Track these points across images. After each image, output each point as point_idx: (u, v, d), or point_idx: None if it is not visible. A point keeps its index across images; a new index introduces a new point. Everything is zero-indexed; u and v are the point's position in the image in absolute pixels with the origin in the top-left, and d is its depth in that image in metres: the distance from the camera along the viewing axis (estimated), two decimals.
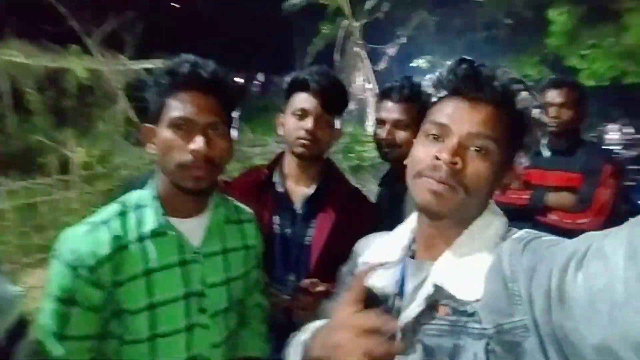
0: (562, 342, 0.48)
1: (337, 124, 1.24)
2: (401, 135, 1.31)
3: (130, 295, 0.81)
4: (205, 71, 0.84)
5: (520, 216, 1.68)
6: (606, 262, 0.43)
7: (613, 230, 0.46)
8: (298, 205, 1.24)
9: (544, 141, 1.93)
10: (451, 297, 0.61)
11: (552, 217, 1.83)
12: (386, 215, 1.32)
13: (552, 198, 1.86)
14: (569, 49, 10.42)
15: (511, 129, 0.64)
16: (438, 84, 0.68)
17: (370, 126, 12.03)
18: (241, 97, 0.91)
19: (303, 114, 1.19)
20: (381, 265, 0.72)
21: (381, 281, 0.70)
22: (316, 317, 0.81)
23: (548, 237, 0.60)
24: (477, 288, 0.60)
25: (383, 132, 1.33)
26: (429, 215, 0.66)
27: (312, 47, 12.60)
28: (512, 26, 12.73)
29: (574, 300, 0.46)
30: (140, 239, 0.84)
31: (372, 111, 12.15)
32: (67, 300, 0.77)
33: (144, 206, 0.88)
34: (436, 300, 0.63)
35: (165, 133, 0.83)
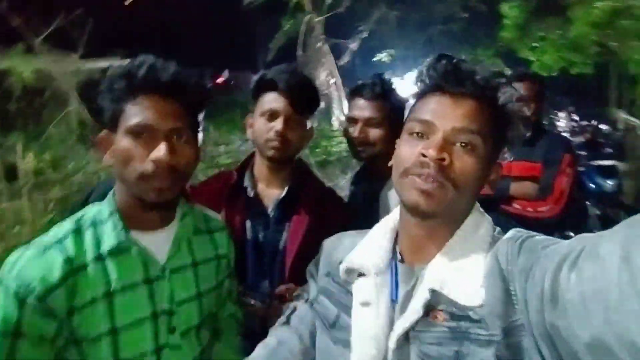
0: (555, 341, 0.48)
1: (308, 124, 1.19)
2: (374, 133, 1.29)
3: (89, 321, 0.74)
4: (165, 73, 0.77)
5: (485, 206, 1.72)
6: (600, 264, 0.43)
7: (607, 232, 0.46)
8: (270, 209, 1.19)
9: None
10: (450, 303, 0.59)
11: (516, 206, 1.90)
12: (360, 214, 1.30)
13: (515, 187, 1.92)
14: (520, 42, 10.86)
15: (494, 123, 0.63)
16: (418, 81, 0.67)
17: (335, 121, 12.08)
18: (206, 99, 0.85)
19: (272, 115, 1.14)
20: (369, 272, 0.69)
21: (370, 289, 0.66)
22: None
23: (541, 237, 0.60)
24: (478, 292, 0.59)
25: (355, 131, 1.30)
26: (418, 215, 0.64)
27: (274, 42, 12.45)
28: (468, 20, 13.15)
29: (567, 300, 0.46)
30: (99, 258, 0.77)
31: (337, 106, 12.19)
32: (13, 333, 0.69)
33: (101, 222, 0.80)
34: (432, 306, 0.60)
35: (123, 142, 0.76)
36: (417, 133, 0.64)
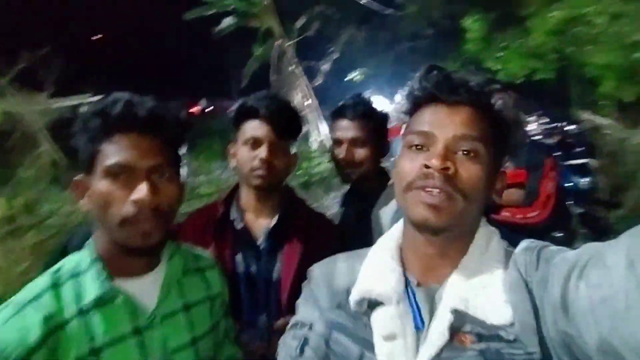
0: (572, 349, 0.49)
1: (292, 149, 1.17)
2: (360, 152, 1.28)
3: None
4: (142, 109, 0.73)
5: None
6: (607, 271, 0.43)
7: (613, 241, 0.46)
8: (260, 240, 1.15)
9: None
10: (475, 323, 0.56)
11: (505, 214, 1.90)
12: (352, 236, 1.27)
13: (502, 195, 1.93)
14: (485, 53, 11.33)
15: (493, 130, 0.62)
16: (410, 95, 0.66)
17: (314, 142, 12.16)
18: (186, 133, 0.82)
19: (256, 143, 1.11)
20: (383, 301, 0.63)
21: (394, 320, 0.60)
22: None
23: (555, 247, 0.59)
24: (504, 308, 0.56)
25: (341, 152, 1.29)
26: (428, 231, 0.61)
27: (247, 69, 12.56)
28: (433, 36, 13.65)
29: (576, 308, 0.47)
30: (82, 312, 0.71)
31: (314, 127, 12.30)
32: None
33: (82, 272, 0.74)
34: (456, 328, 0.57)
35: (100, 184, 0.72)
36: (417, 146, 0.62)
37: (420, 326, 0.60)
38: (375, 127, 1.29)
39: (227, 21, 11.65)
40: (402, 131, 0.68)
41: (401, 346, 0.59)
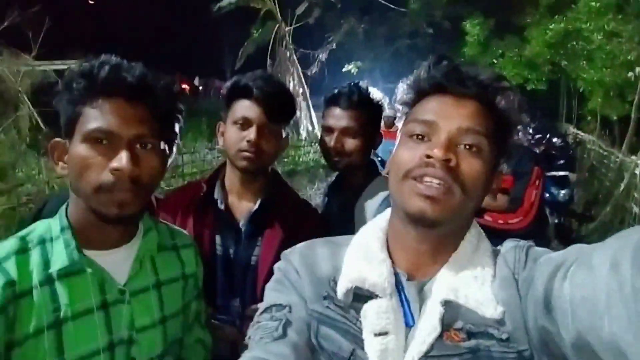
0: (549, 345, 0.50)
1: (283, 133, 1.14)
2: (350, 143, 1.25)
3: (33, 355, 0.64)
4: (130, 75, 0.70)
5: None
6: (591, 271, 0.43)
7: (600, 243, 0.46)
8: (242, 223, 1.12)
9: None
10: (466, 318, 0.55)
11: (487, 218, 1.92)
12: (335, 226, 1.26)
13: (487, 200, 1.95)
14: (481, 58, 11.43)
15: (496, 128, 0.60)
16: (417, 84, 0.63)
17: (303, 131, 12.10)
18: (175, 105, 0.78)
19: (245, 124, 1.07)
20: (374, 295, 0.59)
21: (387, 315, 0.57)
22: None
23: (539, 248, 0.59)
24: (495, 301, 0.55)
25: (331, 140, 1.26)
26: (422, 224, 0.58)
27: (243, 50, 12.36)
28: (432, 35, 13.67)
29: (557, 305, 0.47)
30: (47, 281, 0.68)
31: (305, 116, 12.23)
32: None
33: (51, 239, 0.71)
34: (447, 325, 0.55)
35: (79, 149, 0.68)
36: (418, 135, 0.60)
37: (410, 322, 0.58)
38: (369, 119, 1.27)
39: None
40: (398, 133, 0.66)
41: (393, 343, 0.56)
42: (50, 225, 0.73)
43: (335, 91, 1.29)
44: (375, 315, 0.57)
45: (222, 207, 1.13)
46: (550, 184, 5.56)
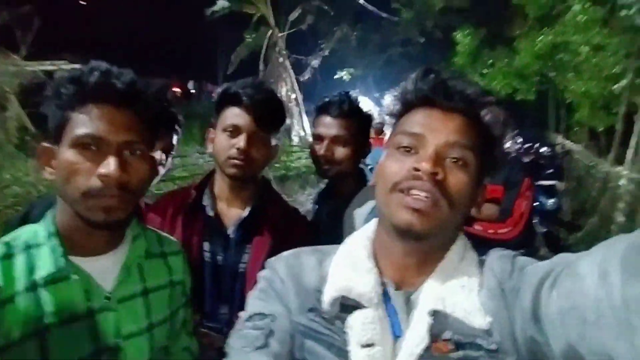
0: (536, 355, 0.50)
1: (273, 141, 1.15)
2: (340, 151, 1.26)
3: None
4: (120, 81, 0.70)
5: None
6: (579, 281, 0.44)
7: (587, 252, 0.47)
8: (231, 230, 1.12)
9: None
10: (454, 328, 0.55)
11: (477, 228, 1.94)
12: (324, 234, 1.26)
13: (476, 210, 1.97)
14: (472, 68, 11.60)
15: (481, 142, 0.61)
16: (404, 96, 0.64)
17: (295, 136, 12.11)
18: (166, 112, 0.78)
19: (235, 131, 1.08)
20: (360, 306, 0.59)
21: (373, 326, 0.57)
22: None
23: (525, 257, 0.60)
24: (483, 311, 0.55)
25: (321, 149, 1.27)
26: (410, 237, 0.58)
27: (236, 55, 12.36)
28: (424, 44, 13.84)
29: (545, 315, 0.48)
30: (31, 288, 0.67)
31: (297, 121, 12.25)
32: None
33: (37, 245, 0.70)
34: (434, 335, 0.55)
35: (67, 154, 0.68)
36: (406, 147, 0.60)
37: (397, 332, 0.58)
38: (359, 128, 1.28)
39: (222, 3, 11.42)
40: (386, 138, 0.66)
41: (380, 354, 0.55)
42: (37, 231, 0.72)
43: (326, 100, 1.30)
44: (361, 326, 0.57)
45: (211, 213, 1.12)
46: (538, 192, 5.64)
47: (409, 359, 0.54)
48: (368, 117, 1.32)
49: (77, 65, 0.74)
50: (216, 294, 1.10)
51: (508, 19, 10.88)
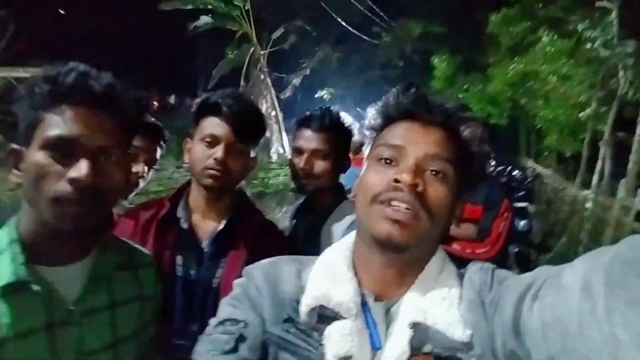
0: None
1: (252, 153, 1.14)
2: (319, 165, 1.26)
3: None
4: (97, 83, 0.68)
5: None
6: (562, 293, 0.44)
7: (569, 264, 0.47)
8: (205, 243, 1.09)
9: None
10: (435, 341, 0.54)
11: (455, 247, 1.95)
12: (301, 249, 1.25)
13: (456, 229, 1.98)
14: (448, 92, 12.01)
15: (460, 156, 0.62)
16: (385, 109, 0.65)
17: (274, 153, 12.10)
18: (142, 118, 0.77)
19: (213, 141, 1.06)
20: (339, 315, 0.58)
21: (351, 338, 0.56)
22: None
23: (504, 270, 0.60)
24: (463, 324, 0.55)
25: (301, 162, 1.27)
26: (390, 248, 0.58)
27: (217, 70, 12.36)
28: (403, 68, 14.27)
29: (527, 328, 0.47)
30: None
31: (277, 138, 12.26)
32: None
33: None
34: (415, 349, 0.54)
35: (37, 156, 0.65)
36: (386, 159, 0.61)
37: (376, 344, 0.57)
38: (339, 142, 1.29)
39: (205, 19, 11.48)
40: (364, 157, 0.67)
41: None
42: None
43: (307, 113, 1.31)
44: (339, 338, 0.55)
45: (185, 226, 1.09)
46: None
47: None
48: (349, 132, 1.33)
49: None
50: (187, 309, 1.06)
51: (482, 47, 11.41)
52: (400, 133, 0.62)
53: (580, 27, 6.85)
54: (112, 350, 0.74)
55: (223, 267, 1.08)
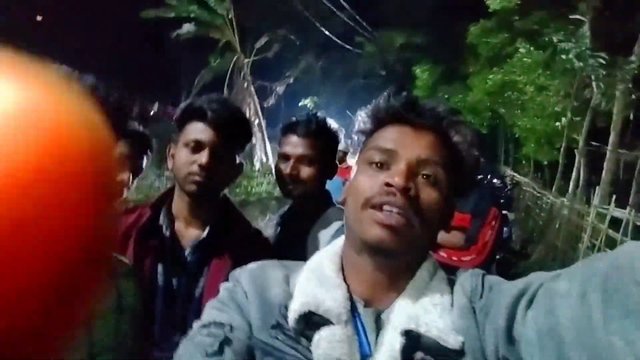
0: None
1: (237, 159, 1.11)
2: (306, 171, 1.25)
3: None
4: (80, 83, 0.66)
5: None
6: (557, 301, 0.43)
7: (563, 271, 0.47)
8: (188, 251, 1.06)
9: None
10: (428, 347, 0.53)
11: (442, 254, 1.94)
12: (287, 256, 1.23)
13: (443, 236, 1.99)
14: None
15: (450, 161, 0.62)
16: (376, 113, 0.64)
17: (257, 161, 12.04)
18: (125, 122, 0.74)
19: (197, 146, 1.04)
20: (328, 321, 0.56)
21: (341, 344, 0.54)
22: None
23: (494, 276, 0.60)
24: (455, 330, 0.54)
25: (287, 167, 1.25)
26: (381, 254, 0.57)
27: (200, 78, 12.29)
28: (385, 77, 14.50)
29: (521, 336, 0.47)
30: None
31: (260, 146, 12.22)
32: None
33: None
34: (408, 356, 0.53)
35: None
36: (377, 163, 0.60)
37: (366, 351, 0.55)
38: (325, 148, 1.28)
39: (188, 27, 11.41)
40: (354, 162, 0.66)
41: None
42: None
43: (293, 119, 1.30)
44: (328, 345, 0.54)
45: (167, 233, 1.06)
46: None
47: None
48: (335, 137, 1.32)
49: None
50: (169, 320, 1.02)
51: (462, 57, 11.70)
52: (392, 137, 0.61)
53: (555, 38, 7.09)
54: None
55: (206, 276, 1.05)
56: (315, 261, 0.65)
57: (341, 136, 1.39)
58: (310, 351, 0.55)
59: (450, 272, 0.64)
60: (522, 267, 5.67)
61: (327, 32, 13.22)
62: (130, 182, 1.41)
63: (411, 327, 0.54)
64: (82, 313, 0.19)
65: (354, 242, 0.61)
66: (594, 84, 6.99)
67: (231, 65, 12.00)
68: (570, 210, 6.34)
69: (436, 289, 0.59)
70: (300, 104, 14.15)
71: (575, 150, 8.13)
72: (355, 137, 0.68)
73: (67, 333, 0.19)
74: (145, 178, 7.09)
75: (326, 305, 0.56)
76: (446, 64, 12.35)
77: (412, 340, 0.54)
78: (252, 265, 0.67)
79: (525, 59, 8.50)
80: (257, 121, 12.01)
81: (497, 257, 4.86)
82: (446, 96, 12.36)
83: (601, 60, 6.49)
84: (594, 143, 8.12)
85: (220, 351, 0.56)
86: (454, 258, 1.94)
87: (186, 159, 1.03)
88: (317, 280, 0.60)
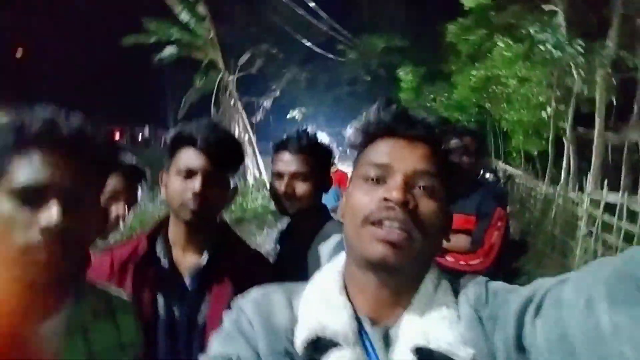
0: None
1: (231, 182, 1.11)
2: (301, 187, 1.24)
3: None
4: (66, 127, 0.65)
5: None
6: (565, 309, 0.43)
7: (569, 277, 0.46)
8: (188, 280, 1.04)
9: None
10: None
11: (449, 259, 1.86)
12: (288, 274, 1.22)
13: (447, 241, 1.93)
14: (415, 102, 12.34)
15: (444, 170, 0.61)
16: (366, 127, 0.64)
17: (250, 177, 12.00)
18: (115, 159, 0.73)
19: (189, 174, 1.03)
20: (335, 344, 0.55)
21: None
22: None
23: (498, 282, 0.59)
24: (465, 342, 0.53)
25: (281, 185, 1.25)
26: (383, 270, 0.57)
27: (186, 99, 12.29)
28: (370, 82, 14.62)
29: (531, 345, 0.47)
30: None
31: (252, 162, 12.20)
32: None
33: None
34: None
35: (4, 205, 0.61)
36: (373, 178, 0.59)
37: None
38: (318, 162, 1.28)
39: (169, 50, 11.44)
40: (349, 177, 0.66)
41: None
42: None
43: (284, 137, 1.30)
44: None
45: (165, 262, 1.05)
46: None
47: None
48: (327, 151, 1.32)
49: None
50: (172, 352, 1.00)
51: (443, 56, 11.84)
52: (385, 150, 0.61)
53: (531, 30, 7.20)
54: None
55: (208, 303, 1.03)
56: (318, 281, 0.64)
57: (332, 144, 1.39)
58: None
59: (455, 277, 0.64)
60: (523, 260, 5.66)
61: (308, 44, 13.33)
62: (127, 214, 1.40)
63: (421, 344, 0.53)
64: None
65: (356, 259, 0.60)
66: (574, 71, 7.09)
67: (216, 84, 12.02)
68: (564, 199, 6.38)
69: (442, 302, 0.58)
70: (288, 116, 14.20)
71: (564, 138, 8.22)
72: (348, 151, 0.68)
73: None
74: (138, 204, 7.01)
75: (332, 328, 0.55)
76: (429, 64, 12.48)
77: (423, 357, 0.53)
78: (255, 293, 0.66)
79: (505, 53, 8.61)
80: (247, 137, 12.00)
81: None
82: (432, 96, 12.46)
83: (578, 48, 6.60)
84: (580, 129, 8.22)
85: None
86: (462, 262, 1.86)
87: (179, 187, 1.03)
88: (321, 302, 0.60)
